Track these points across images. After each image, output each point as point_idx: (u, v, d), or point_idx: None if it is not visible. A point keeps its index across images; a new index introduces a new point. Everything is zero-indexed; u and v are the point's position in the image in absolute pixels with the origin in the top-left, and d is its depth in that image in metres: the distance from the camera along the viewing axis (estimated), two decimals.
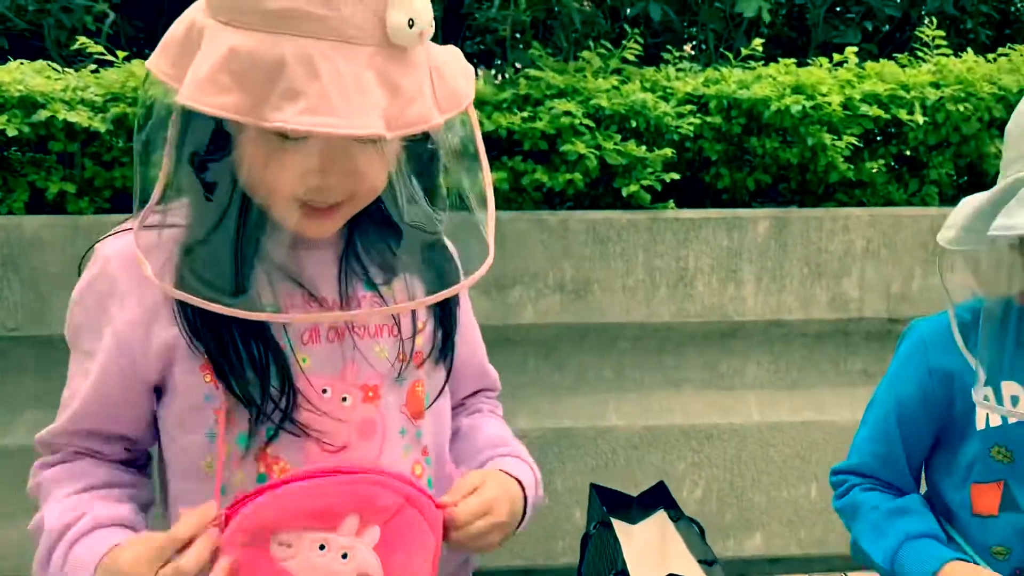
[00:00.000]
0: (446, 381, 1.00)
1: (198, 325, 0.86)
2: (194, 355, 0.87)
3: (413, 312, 0.96)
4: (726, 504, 2.18)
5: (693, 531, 0.99)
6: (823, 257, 2.14)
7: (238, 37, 0.73)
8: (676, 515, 1.04)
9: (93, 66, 2.17)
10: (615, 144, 2.10)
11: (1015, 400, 0.94)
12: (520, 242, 2.06)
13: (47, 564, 0.88)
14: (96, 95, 2.02)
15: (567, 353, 2.17)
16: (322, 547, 0.83)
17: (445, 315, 0.99)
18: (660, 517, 1.06)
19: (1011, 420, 0.94)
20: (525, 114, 2.11)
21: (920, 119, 2.11)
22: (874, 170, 2.19)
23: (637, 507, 1.08)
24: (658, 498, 1.07)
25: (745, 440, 2.17)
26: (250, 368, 0.86)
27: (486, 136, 2.08)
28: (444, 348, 0.99)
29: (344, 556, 0.84)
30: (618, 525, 1.03)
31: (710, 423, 2.17)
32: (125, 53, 2.20)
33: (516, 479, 0.99)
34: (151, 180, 0.84)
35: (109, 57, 2.16)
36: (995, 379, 0.95)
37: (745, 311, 2.14)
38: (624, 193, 2.10)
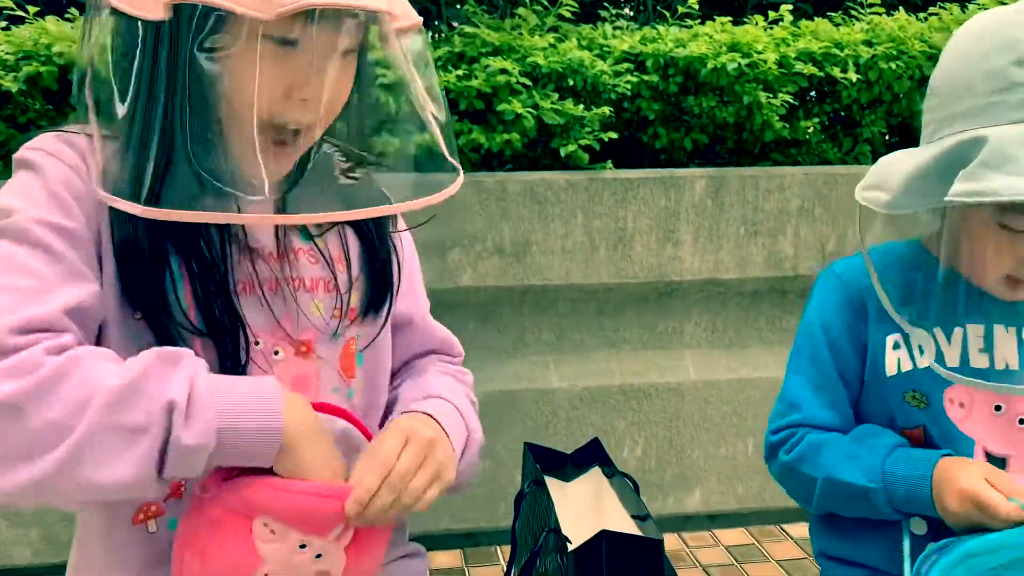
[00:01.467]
0: (376, 335, 0.96)
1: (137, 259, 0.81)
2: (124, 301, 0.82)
3: (348, 266, 0.92)
4: (665, 462, 2.21)
5: (627, 487, 0.98)
6: (759, 216, 2.16)
7: None
8: (610, 471, 1.03)
9: (3, 23, 2.05)
10: (552, 103, 2.07)
11: (922, 349, 0.94)
12: (458, 204, 2.03)
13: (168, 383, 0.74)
14: (7, 53, 1.90)
15: (507, 316, 2.16)
16: (303, 546, 0.81)
17: (380, 268, 0.95)
18: (595, 474, 1.05)
19: (921, 366, 0.94)
20: (460, 72, 2.06)
21: (853, 77, 2.12)
22: (809, 129, 2.21)
23: (571, 465, 1.07)
24: (592, 455, 1.07)
25: (683, 398, 2.20)
26: (185, 314, 0.82)
27: None
28: (379, 302, 0.96)
29: (318, 556, 0.82)
30: (552, 483, 1.02)
31: (649, 382, 2.19)
32: (37, 8, 2.08)
33: (428, 415, 0.91)
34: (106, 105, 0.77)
35: (19, 12, 2.04)
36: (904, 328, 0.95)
37: (683, 271, 2.15)
38: (562, 153, 2.07)
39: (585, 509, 1.01)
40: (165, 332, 0.81)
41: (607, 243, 2.11)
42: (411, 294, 1.05)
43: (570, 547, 0.84)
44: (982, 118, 0.81)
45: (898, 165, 0.89)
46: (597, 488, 1.03)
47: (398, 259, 0.98)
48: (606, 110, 2.08)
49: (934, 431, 0.95)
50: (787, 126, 2.17)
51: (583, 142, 2.07)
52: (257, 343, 0.86)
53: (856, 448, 0.97)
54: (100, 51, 0.78)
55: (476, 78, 2.04)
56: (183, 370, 0.75)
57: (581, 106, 2.08)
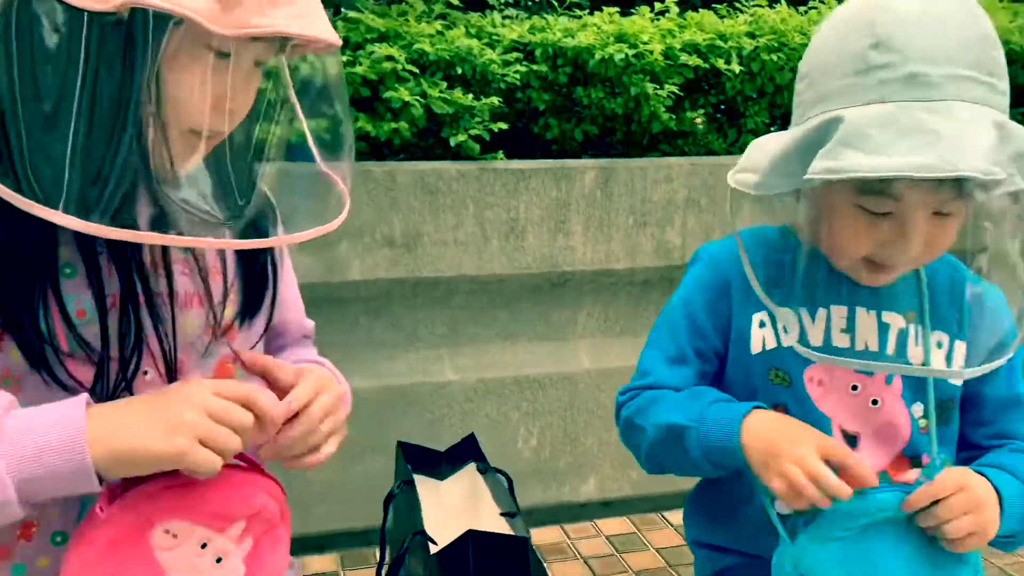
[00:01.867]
0: (253, 346, 0.93)
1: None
2: None
3: (224, 277, 0.87)
4: (560, 451, 2.22)
5: (500, 483, 0.97)
6: (647, 207, 2.19)
7: None
8: (483, 467, 1.02)
9: None
10: (441, 92, 2.03)
11: (787, 328, 0.96)
12: None
13: None
14: None
15: (399, 310, 2.12)
16: (204, 546, 0.77)
17: (258, 278, 0.91)
18: (469, 471, 1.03)
19: (785, 344, 0.96)
20: (344, 58, 2.00)
21: (737, 68, 2.17)
22: (697, 120, 2.25)
23: (446, 462, 1.05)
24: (468, 451, 1.05)
25: (577, 387, 2.21)
26: (40, 334, 0.76)
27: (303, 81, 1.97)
28: (254, 312, 0.92)
29: (218, 560, 0.78)
30: (424, 483, 1.00)
31: (543, 373, 2.19)
32: None
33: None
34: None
35: None
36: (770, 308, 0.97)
37: (575, 261, 2.16)
38: (452, 143, 2.04)
39: (458, 508, 0.99)
40: (34, 352, 0.76)
41: (499, 234, 2.10)
42: (292, 302, 1.03)
43: (433, 549, 0.82)
44: (842, 99, 0.83)
45: (766, 147, 0.91)
46: (472, 485, 1.01)
47: (273, 265, 0.94)
48: (495, 100, 2.06)
49: (794, 409, 0.97)
50: (674, 117, 2.20)
51: (473, 132, 2.05)
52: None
53: (687, 399, 0.97)
54: (22, 40, 0.72)
55: (361, 65, 1.99)
56: None
57: (470, 95, 2.05)
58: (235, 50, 0.74)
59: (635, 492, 2.26)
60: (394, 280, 2.06)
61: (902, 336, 0.96)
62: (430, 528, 0.87)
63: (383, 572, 0.96)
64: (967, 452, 1.00)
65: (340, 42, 0.78)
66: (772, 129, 2.46)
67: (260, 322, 0.94)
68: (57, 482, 0.71)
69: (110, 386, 0.79)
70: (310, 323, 1.10)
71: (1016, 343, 0.87)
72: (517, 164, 2.11)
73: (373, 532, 2.17)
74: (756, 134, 2.35)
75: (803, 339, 0.96)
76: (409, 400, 2.10)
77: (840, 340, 0.97)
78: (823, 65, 0.88)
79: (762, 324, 0.99)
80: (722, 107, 2.35)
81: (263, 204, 0.88)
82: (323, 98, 0.86)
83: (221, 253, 0.89)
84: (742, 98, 2.30)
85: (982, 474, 0.89)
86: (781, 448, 0.86)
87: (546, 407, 2.19)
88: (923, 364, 0.96)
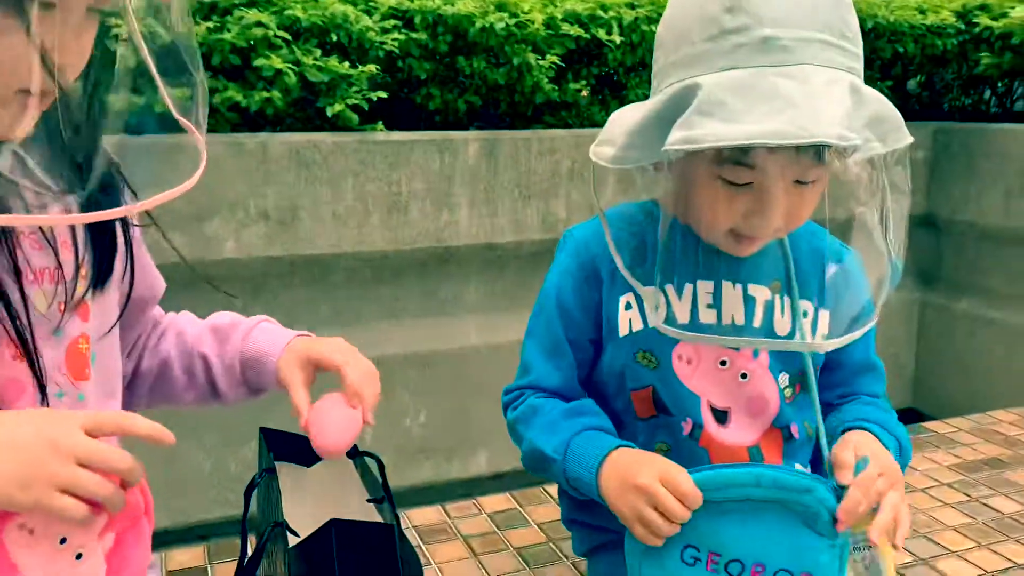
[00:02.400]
0: (113, 325, 0.85)
1: None
2: None
3: (76, 250, 0.79)
4: (450, 427, 2.19)
5: (369, 468, 0.93)
6: (532, 179, 2.17)
7: None
8: (352, 451, 0.97)
9: None
10: (315, 59, 1.95)
11: (657, 306, 0.96)
12: (215, 168, 1.86)
13: None
14: None
15: (276, 289, 2.03)
16: (63, 541, 0.71)
17: (109, 247, 0.83)
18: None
19: (651, 325, 0.96)
20: (211, 24, 1.88)
21: (617, 39, 2.17)
22: (581, 92, 2.24)
23: (314, 450, 1.00)
24: None
25: (466, 363, 2.18)
26: None
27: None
28: (105, 281, 0.84)
29: (78, 556, 0.72)
30: (289, 470, 0.95)
31: (431, 349, 2.15)
32: None
33: None
34: None
35: None
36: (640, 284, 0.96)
37: (460, 235, 2.12)
38: (329, 113, 1.96)
39: (325, 496, 0.94)
40: None
41: (381, 208, 2.03)
42: (144, 262, 0.95)
43: (293, 542, 0.77)
44: (698, 66, 0.81)
45: (624, 118, 0.88)
46: (340, 471, 0.97)
47: (127, 235, 0.87)
48: (373, 68, 1.98)
49: (662, 391, 0.97)
50: (556, 88, 2.19)
51: (351, 101, 1.97)
52: None
53: (560, 420, 0.97)
54: None
55: (229, 31, 1.88)
56: None
57: (347, 63, 1.97)
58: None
59: None
60: (271, 258, 1.97)
61: (768, 308, 0.96)
62: (292, 519, 0.82)
63: (245, 556, 0.91)
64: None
65: None
66: None
67: (113, 296, 0.87)
68: None
69: None
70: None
71: (876, 311, 0.88)
72: (398, 135, 2.05)
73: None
74: None
75: (670, 317, 0.96)
76: None
77: (707, 316, 0.96)
78: (678, 31, 0.85)
79: (628, 306, 0.98)
80: (605, 78, 2.35)
81: (108, 170, 0.81)
82: (171, 49, 0.78)
83: (71, 225, 0.81)
84: (624, 69, 2.30)
85: (867, 430, 0.91)
86: (626, 481, 0.87)
87: (435, 384, 2.16)
88: (788, 335, 0.97)
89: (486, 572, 1.15)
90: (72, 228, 0.82)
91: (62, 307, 0.79)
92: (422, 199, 2.07)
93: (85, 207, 0.78)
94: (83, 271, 0.82)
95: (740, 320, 0.96)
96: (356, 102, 1.97)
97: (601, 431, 0.96)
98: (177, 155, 0.76)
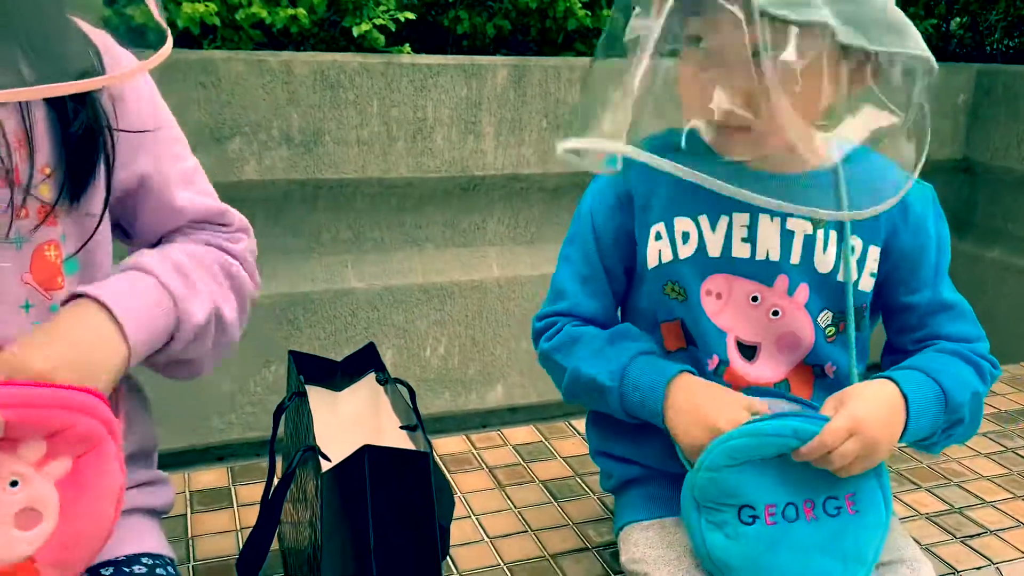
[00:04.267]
0: (88, 239, 0.80)
1: None
2: None
3: (31, 150, 0.75)
4: (468, 358, 2.19)
5: (400, 394, 0.91)
6: (561, 108, 2.11)
7: None
8: (383, 378, 0.96)
9: None
10: None
11: (686, 236, 0.93)
12: (238, 86, 1.82)
13: None
14: None
15: (299, 213, 2.00)
16: None
17: (78, 146, 0.77)
18: (369, 381, 0.98)
19: (681, 256, 0.93)
20: None
21: None
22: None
23: (343, 373, 0.98)
24: (367, 361, 0.99)
25: (486, 296, 2.16)
26: None
27: None
28: (79, 191, 0.78)
29: (14, 484, 0.69)
30: (319, 394, 0.94)
31: (451, 280, 2.13)
32: None
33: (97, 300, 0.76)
34: None
35: None
36: (669, 215, 0.94)
37: (485, 165, 2.08)
38: (355, 33, 1.90)
39: (355, 421, 0.93)
40: None
41: (406, 134, 1.99)
42: (144, 150, 0.84)
43: (326, 467, 0.76)
44: None
45: None
46: (371, 397, 0.96)
47: (109, 127, 0.81)
48: None
49: (690, 324, 0.95)
50: (589, 14, 2.11)
51: (378, 22, 1.91)
52: None
53: (607, 347, 0.95)
54: None
55: None
56: None
57: None
58: None
59: (541, 399, 2.26)
60: (294, 181, 1.94)
61: (808, 242, 0.93)
62: (323, 443, 0.81)
63: (272, 480, 0.91)
64: (893, 356, 1.00)
65: None
66: None
67: (96, 200, 0.80)
68: None
69: None
70: (231, 211, 0.94)
71: (904, 188, 0.83)
72: (424, 59, 1.98)
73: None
74: None
75: (702, 249, 0.93)
76: (311, 308, 2.02)
77: (741, 250, 0.94)
78: None
79: (658, 236, 0.95)
80: None
81: (77, 47, 0.74)
82: None
83: (27, 120, 0.73)
84: None
85: (892, 379, 0.89)
86: (709, 415, 0.87)
87: (454, 315, 2.15)
88: (832, 272, 0.94)
89: (511, 503, 1.14)
90: (28, 125, 0.73)
91: (15, 213, 0.73)
92: (447, 126, 2.02)
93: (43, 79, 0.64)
94: (51, 174, 0.76)
95: (775, 255, 0.93)
96: (383, 22, 1.91)
97: (654, 355, 0.94)
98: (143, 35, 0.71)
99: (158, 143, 0.86)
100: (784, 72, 0.74)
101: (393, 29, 1.92)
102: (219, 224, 0.93)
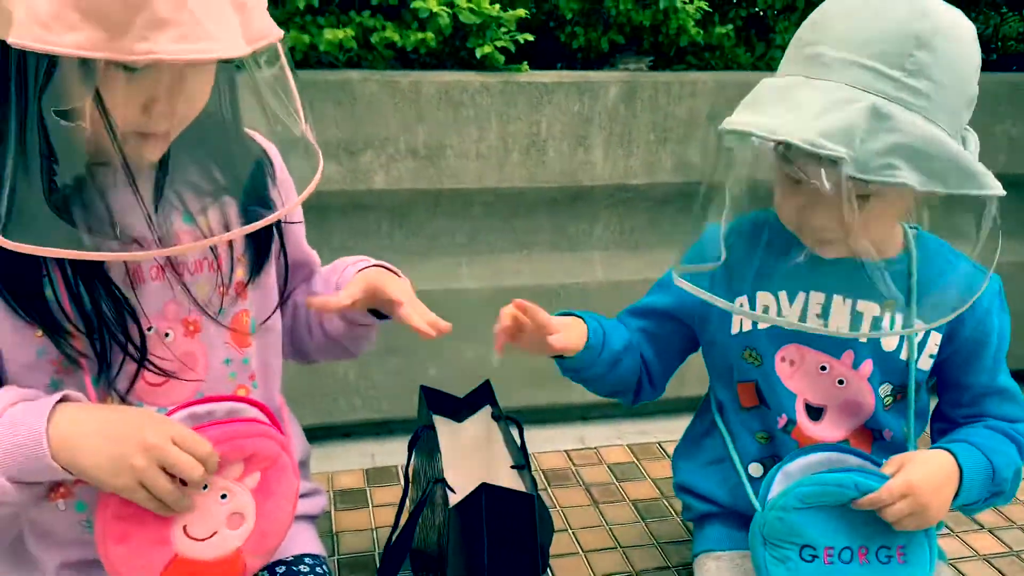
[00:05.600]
0: (279, 304, 1.02)
1: (19, 287, 0.82)
2: (14, 315, 0.84)
3: (230, 243, 0.95)
4: None
5: (511, 431, 1.08)
6: (670, 123, 2.20)
7: None
8: (496, 414, 1.12)
9: None
10: (468, 1, 2.01)
11: (766, 309, 1.04)
12: (371, 105, 2.00)
13: None
14: None
15: (421, 218, 2.19)
16: (205, 487, 0.88)
17: (260, 241, 0.99)
18: (485, 415, 1.14)
19: (761, 326, 1.05)
20: None
21: None
22: (724, 34, 2.22)
23: (464, 406, 1.15)
24: (484, 396, 1.15)
25: (589, 298, 2.30)
26: (84, 319, 0.85)
27: None
28: (261, 269, 1.00)
29: (223, 496, 0.89)
30: (445, 424, 1.11)
31: (558, 283, 2.27)
32: None
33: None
34: None
35: None
36: (752, 289, 1.05)
37: (594, 176, 2.20)
38: (478, 55, 2.04)
39: (474, 452, 1.10)
40: (55, 336, 0.84)
41: (520, 148, 2.13)
42: (297, 239, 1.11)
43: (453, 500, 0.94)
44: (782, 65, 0.89)
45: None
46: (487, 430, 1.12)
47: (279, 225, 1.02)
48: (522, 12, 2.03)
49: (764, 386, 1.07)
50: (702, 32, 2.17)
51: (499, 44, 2.04)
52: (150, 328, 0.90)
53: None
54: None
55: None
56: None
57: (497, 6, 2.03)
58: (141, 66, 0.75)
59: None
60: (417, 190, 2.12)
61: (876, 324, 1.03)
62: (448, 468, 0.99)
63: (405, 504, 1.09)
64: (941, 424, 1.09)
65: (238, 53, 0.75)
66: None
67: (271, 273, 1.02)
68: (39, 475, 0.81)
69: (139, 349, 0.88)
70: (314, 256, 1.21)
71: (949, 314, 0.93)
72: (540, 76, 2.11)
73: (393, 423, 2.34)
74: (784, 49, 2.32)
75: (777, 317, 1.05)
76: (428, 304, 2.18)
77: (814, 324, 1.04)
78: (801, 30, 0.93)
79: (741, 306, 1.07)
80: (752, 18, 2.31)
81: (255, 177, 0.94)
82: (278, 82, 0.86)
83: (223, 219, 0.94)
84: (773, 12, 2.25)
85: (950, 451, 0.99)
86: None
87: None
88: (895, 351, 1.04)
89: (604, 519, 1.30)
90: (227, 223, 0.94)
91: (222, 291, 0.95)
92: (559, 139, 2.15)
93: (241, 214, 0.92)
94: (241, 259, 0.98)
95: (845, 332, 1.04)
96: (504, 44, 2.04)
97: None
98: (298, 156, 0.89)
99: (298, 228, 1.12)
100: (868, 211, 0.86)
101: (513, 51, 2.05)
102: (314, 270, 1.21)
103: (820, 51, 0.83)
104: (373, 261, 1.20)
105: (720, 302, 0.97)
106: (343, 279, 1.12)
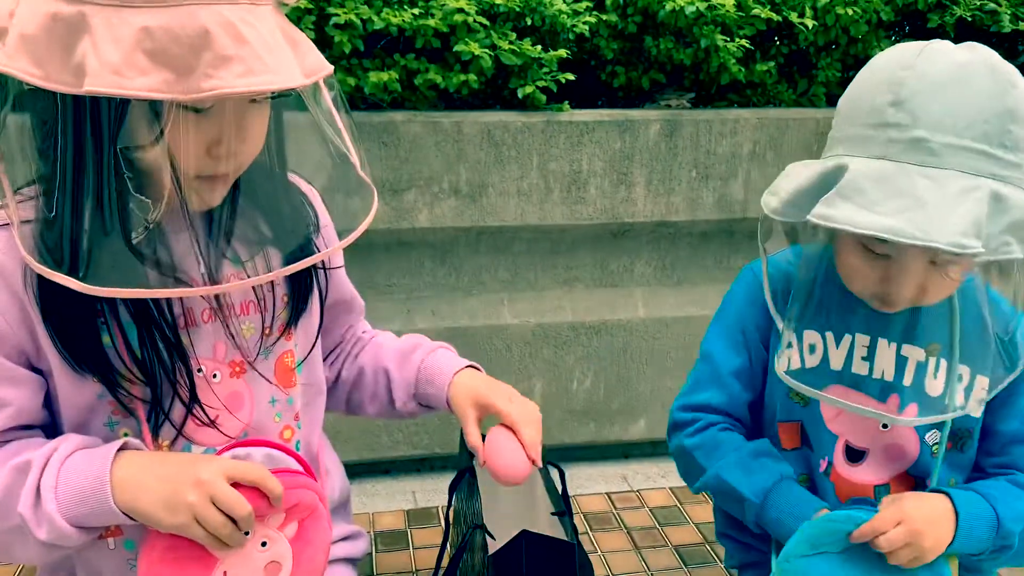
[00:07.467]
0: (310, 351, 1.04)
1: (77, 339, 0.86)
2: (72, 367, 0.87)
3: (272, 286, 0.97)
4: (613, 393, 2.33)
5: (550, 478, 1.08)
6: (711, 160, 2.20)
7: (145, 17, 0.71)
8: None
9: None
10: (510, 43, 2.05)
11: (812, 348, 1.04)
12: (415, 145, 2.04)
13: (18, 499, 0.83)
14: None
15: (463, 255, 2.21)
16: (246, 533, 0.89)
17: (302, 284, 1.01)
18: None
19: (808, 365, 1.04)
20: (416, 10, 2.02)
21: (810, 23, 2.12)
22: (765, 71, 2.22)
23: None
24: None
25: (631, 334, 2.29)
26: (138, 364, 0.88)
27: (378, 33, 2.01)
28: (302, 312, 1.02)
29: (263, 544, 0.92)
30: (484, 471, 1.11)
31: (599, 319, 2.28)
32: None
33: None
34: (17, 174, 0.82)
35: None
36: (799, 328, 1.04)
37: (635, 213, 2.21)
38: (520, 95, 2.07)
39: (515, 494, 1.10)
40: (112, 385, 0.87)
41: (561, 186, 2.15)
42: (338, 280, 1.13)
43: (492, 547, 0.94)
44: (855, 147, 0.87)
45: (791, 174, 0.96)
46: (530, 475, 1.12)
47: (324, 266, 1.05)
48: (563, 52, 2.06)
49: (808, 427, 1.06)
50: (743, 69, 2.18)
51: (541, 84, 2.07)
52: (199, 370, 0.93)
53: (751, 461, 1.07)
54: (14, 125, 0.80)
55: (432, 16, 2.01)
56: (30, 477, 0.83)
57: (539, 47, 2.06)
58: (208, 105, 0.78)
59: None
60: (459, 228, 2.14)
61: (920, 368, 1.01)
62: (488, 519, 0.99)
63: (446, 547, 1.10)
64: (974, 474, 1.07)
65: (299, 83, 0.78)
66: (847, 76, 2.40)
67: (314, 314, 1.04)
68: (100, 519, 0.84)
69: (162, 403, 0.90)
70: (359, 298, 1.21)
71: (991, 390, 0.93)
72: (581, 115, 2.13)
73: (431, 459, 2.35)
74: (827, 86, 2.31)
75: (825, 360, 1.04)
76: (469, 342, 2.22)
77: (859, 367, 1.03)
78: (851, 108, 0.92)
79: (789, 344, 1.06)
80: (794, 55, 2.30)
81: (300, 222, 0.97)
82: (330, 120, 0.89)
83: (267, 262, 0.96)
84: (815, 49, 2.25)
85: (947, 494, 0.97)
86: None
87: (601, 352, 2.29)
88: (940, 397, 1.02)
89: (646, 565, 1.29)
90: (269, 266, 0.95)
91: (268, 331, 0.98)
92: (600, 177, 2.16)
93: (284, 255, 0.94)
94: (282, 298, 1.00)
95: (890, 376, 1.03)
96: (546, 84, 2.07)
97: (794, 481, 1.07)
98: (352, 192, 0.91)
99: (340, 271, 1.13)
100: (961, 271, 0.86)
101: (555, 90, 2.08)
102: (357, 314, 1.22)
103: (920, 136, 0.81)
104: (460, 361, 1.14)
105: (842, 403, 0.97)
106: (430, 374, 1.11)
